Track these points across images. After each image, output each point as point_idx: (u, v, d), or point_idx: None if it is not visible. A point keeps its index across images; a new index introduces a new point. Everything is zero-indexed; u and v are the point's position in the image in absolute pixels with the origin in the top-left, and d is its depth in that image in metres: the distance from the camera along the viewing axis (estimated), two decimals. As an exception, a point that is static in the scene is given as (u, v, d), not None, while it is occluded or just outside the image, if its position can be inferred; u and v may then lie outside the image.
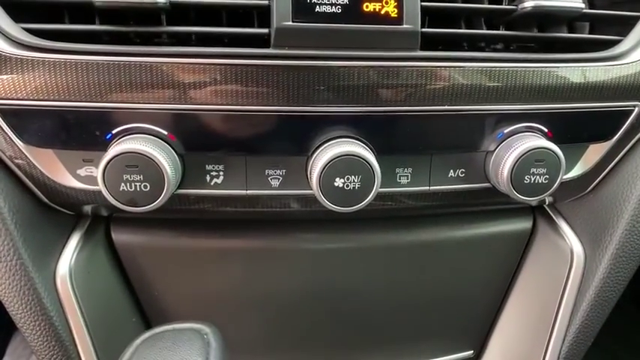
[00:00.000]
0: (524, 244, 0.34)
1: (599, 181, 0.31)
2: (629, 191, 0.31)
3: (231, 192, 0.27)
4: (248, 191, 0.27)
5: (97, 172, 0.24)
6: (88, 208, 0.29)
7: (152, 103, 0.24)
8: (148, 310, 0.33)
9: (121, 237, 0.30)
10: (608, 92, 0.27)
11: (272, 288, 0.30)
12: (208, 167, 0.26)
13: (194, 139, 0.25)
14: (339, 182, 0.24)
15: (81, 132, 0.25)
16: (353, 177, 0.24)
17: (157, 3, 0.22)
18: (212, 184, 0.27)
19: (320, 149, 0.25)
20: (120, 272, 0.31)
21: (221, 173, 0.27)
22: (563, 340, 0.32)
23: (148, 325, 0.33)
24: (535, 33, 0.27)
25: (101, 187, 0.24)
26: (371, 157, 0.24)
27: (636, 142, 0.30)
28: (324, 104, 0.25)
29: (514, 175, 0.26)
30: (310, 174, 0.25)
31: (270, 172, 0.27)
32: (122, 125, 0.24)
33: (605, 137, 0.29)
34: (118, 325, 0.32)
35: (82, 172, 0.26)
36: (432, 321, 0.35)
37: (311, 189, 0.26)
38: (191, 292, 0.32)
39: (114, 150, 0.23)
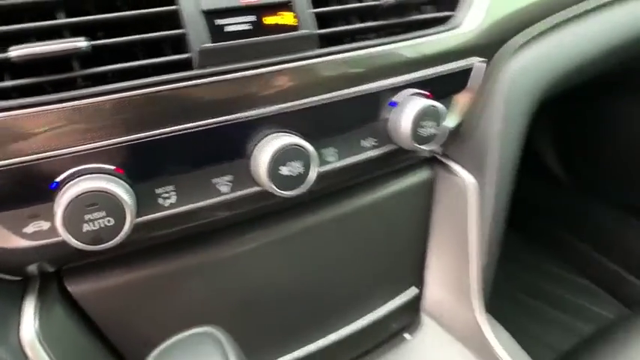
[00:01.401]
0: (430, 190, 0.42)
1: (473, 125, 0.40)
2: (492, 129, 0.40)
3: (186, 207, 0.29)
4: (200, 203, 0.29)
5: (56, 221, 0.24)
6: (34, 268, 0.28)
7: (91, 143, 0.25)
8: (123, 346, 0.32)
9: (77, 288, 0.30)
10: (452, 56, 0.36)
11: (237, 288, 0.32)
12: (158, 191, 0.28)
13: (140, 168, 0.27)
14: (284, 170, 0.29)
15: (22, 189, 0.24)
16: (295, 163, 0.29)
17: (79, 48, 0.24)
18: (167, 205, 0.28)
19: (258, 147, 0.29)
20: (87, 321, 0.31)
21: (172, 193, 0.29)
22: (478, 259, 0.40)
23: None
24: (396, 20, 0.34)
25: (63, 234, 0.24)
26: (305, 144, 0.29)
27: (488, 90, 0.39)
28: (252, 108, 0.28)
29: (412, 131, 0.33)
30: (256, 171, 0.29)
31: (218, 180, 0.30)
32: (66, 171, 0.25)
33: (461, 89, 0.38)
34: None
35: (29, 229, 0.26)
36: (376, 275, 0.41)
37: (259, 186, 0.30)
38: (162, 316, 0.33)
39: (68, 194, 0.24)
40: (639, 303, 0.89)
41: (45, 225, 0.26)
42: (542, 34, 0.41)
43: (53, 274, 0.30)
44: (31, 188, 0.25)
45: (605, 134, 1.05)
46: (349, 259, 0.39)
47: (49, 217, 0.25)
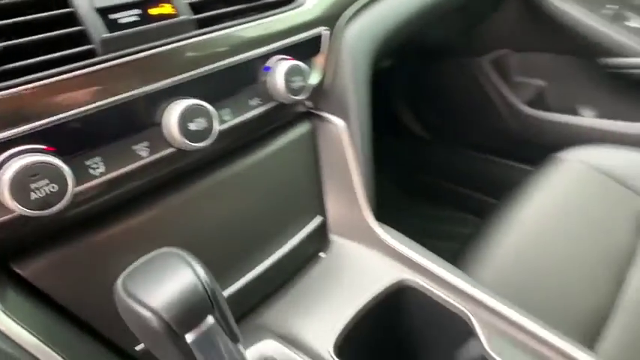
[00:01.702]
0: (313, 137, 0.52)
1: (333, 80, 0.51)
2: (346, 80, 0.52)
3: (115, 173, 0.34)
4: (125, 168, 0.35)
5: (4, 196, 0.28)
6: None
7: (19, 127, 0.29)
8: (83, 314, 0.36)
9: (26, 268, 0.33)
10: (302, 28, 0.46)
11: (169, 240, 0.35)
12: (88, 162, 0.33)
13: (67, 144, 0.32)
14: (192, 126, 0.36)
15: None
16: (199, 119, 0.36)
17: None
18: (98, 174, 0.34)
19: (165, 112, 0.36)
20: (44, 299, 0.34)
21: (101, 163, 0.34)
22: (359, 179, 0.52)
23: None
24: (253, 4, 0.43)
25: (13, 206, 0.28)
26: (204, 103, 0.36)
27: (336, 51, 0.51)
28: (153, 82, 0.35)
29: (285, 86, 0.42)
30: (169, 133, 0.35)
31: (137, 146, 0.36)
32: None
33: (317, 52, 0.48)
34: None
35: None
36: (285, 213, 0.50)
37: (173, 146, 0.37)
38: (111, 278, 0.37)
39: (10, 170, 0.28)
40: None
41: (-9, 206, 0.29)
42: (367, 4, 0.54)
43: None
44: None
45: (447, 90, 1.29)
46: (259, 205, 0.47)
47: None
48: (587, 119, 1.09)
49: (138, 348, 0.38)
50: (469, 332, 0.43)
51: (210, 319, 0.28)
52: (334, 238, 0.53)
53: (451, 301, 0.44)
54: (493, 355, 0.40)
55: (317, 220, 0.52)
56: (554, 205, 0.75)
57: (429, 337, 0.47)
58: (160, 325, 0.26)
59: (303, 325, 0.44)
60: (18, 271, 0.33)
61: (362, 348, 0.42)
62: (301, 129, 0.51)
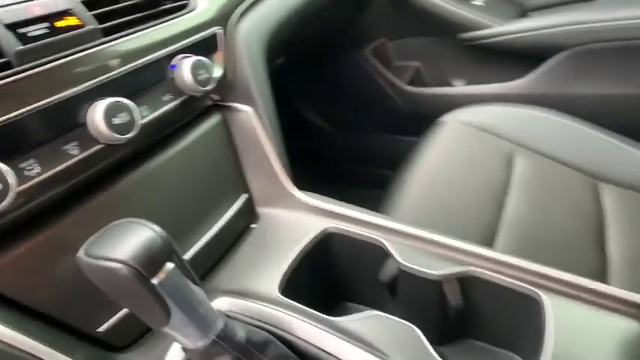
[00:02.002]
0: (226, 126, 0.59)
1: (235, 73, 0.58)
2: (246, 72, 0.59)
3: (50, 172, 0.38)
4: (59, 167, 0.38)
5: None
6: None
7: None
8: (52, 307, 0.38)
9: None
10: (198, 29, 0.53)
11: None
12: (22, 165, 0.36)
13: (3, 149, 0.35)
14: (116, 120, 0.40)
15: None
16: (122, 114, 0.41)
17: None
18: (34, 174, 0.37)
19: (89, 112, 0.40)
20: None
21: (35, 165, 0.37)
22: (273, 152, 0.59)
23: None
24: (150, 12, 0.48)
25: None
26: (123, 99, 0.41)
27: (232, 46, 0.58)
28: (71, 87, 0.39)
29: (193, 79, 0.48)
30: (96, 129, 0.40)
31: (68, 146, 0.39)
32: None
33: (216, 49, 0.55)
34: None
35: None
36: (213, 195, 0.55)
37: (100, 143, 0.41)
38: (61, 271, 0.40)
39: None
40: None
41: None
42: (252, 4, 0.62)
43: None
44: None
45: (339, 82, 1.42)
46: (188, 191, 0.52)
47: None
48: (459, 88, 1.29)
49: (101, 329, 0.41)
50: (386, 254, 0.52)
51: (170, 265, 0.33)
52: (262, 210, 0.60)
53: (368, 234, 0.53)
54: (405, 263, 0.50)
55: (243, 197, 0.58)
56: (442, 156, 0.89)
57: (355, 269, 0.56)
58: (130, 272, 0.30)
59: (249, 280, 0.50)
60: None
61: (303, 289, 0.49)
62: (213, 120, 0.57)
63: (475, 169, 0.88)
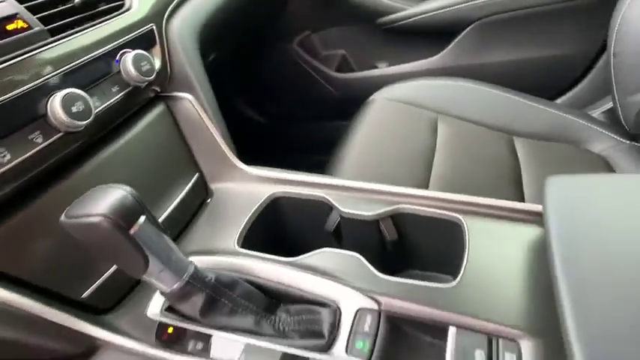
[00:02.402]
0: (171, 113, 0.66)
1: (175, 64, 0.65)
2: (183, 63, 0.67)
3: (19, 159, 0.43)
4: (27, 154, 0.44)
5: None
6: None
7: None
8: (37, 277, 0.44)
9: None
10: (135, 27, 0.60)
11: None
12: (-5, 153, 0.42)
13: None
14: (74, 109, 0.47)
15: None
16: (78, 103, 0.47)
17: None
18: (5, 161, 0.42)
19: (48, 104, 0.46)
20: None
21: (6, 152, 0.43)
22: (218, 132, 0.67)
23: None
24: (88, 13, 0.55)
25: None
26: (77, 90, 0.47)
27: (169, 39, 0.65)
28: (31, 81, 0.45)
29: (136, 71, 0.55)
30: (57, 118, 0.46)
31: (33, 135, 0.45)
32: None
33: (155, 43, 0.62)
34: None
35: None
36: (169, 176, 0.62)
37: (61, 130, 0.47)
38: (46, 245, 0.46)
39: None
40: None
41: None
42: (181, 2, 0.70)
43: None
44: None
45: (271, 75, 1.52)
46: (143, 174, 0.58)
47: None
48: (383, 69, 1.43)
49: (85, 295, 0.47)
50: (329, 207, 0.62)
51: (142, 218, 0.40)
52: (214, 185, 0.68)
53: (312, 193, 0.63)
54: (346, 210, 0.60)
55: (195, 176, 0.66)
56: (373, 128, 1.01)
57: (303, 225, 0.65)
58: (110, 224, 0.37)
59: (209, 242, 0.57)
60: None
61: (258, 246, 0.57)
62: (157, 110, 0.64)
63: (403, 137, 1.00)
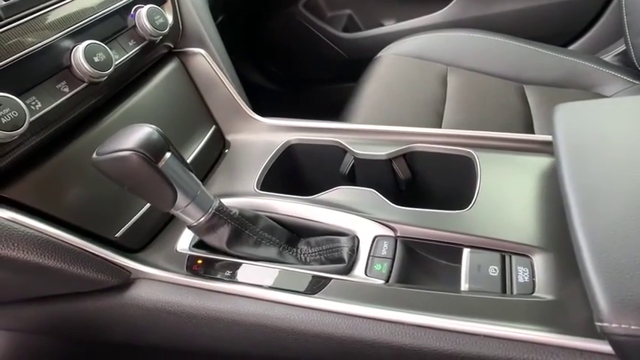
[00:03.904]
0: (185, 68, 0.68)
1: (186, 20, 0.67)
2: (195, 19, 0.68)
3: (50, 106, 0.46)
4: (56, 102, 0.47)
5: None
6: None
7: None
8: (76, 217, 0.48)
9: (12, 192, 0.44)
10: None
11: None
12: (28, 101, 0.45)
13: (9, 89, 0.43)
14: (96, 59, 0.49)
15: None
16: (100, 54, 0.50)
17: None
18: (37, 109, 0.45)
19: (72, 56, 0.48)
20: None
21: (37, 101, 0.46)
22: (230, 84, 0.69)
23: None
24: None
25: None
26: (98, 42, 0.50)
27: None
28: (55, 32, 0.47)
29: (150, 24, 0.57)
30: (81, 69, 0.48)
31: (60, 84, 0.48)
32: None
33: (164, 1, 0.64)
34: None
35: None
36: (189, 127, 0.65)
37: (85, 81, 0.49)
38: (78, 187, 0.49)
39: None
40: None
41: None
42: None
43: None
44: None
45: (278, 39, 1.52)
46: (164, 125, 0.61)
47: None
48: (390, 26, 1.42)
49: (118, 234, 0.51)
50: (343, 151, 0.65)
51: (168, 153, 0.43)
52: (231, 137, 0.70)
53: (326, 138, 0.65)
54: (359, 152, 0.62)
55: (212, 129, 0.68)
56: (383, 81, 1.02)
57: (319, 168, 0.68)
58: (139, 157, 0.40)
59: (230, 186, 0.61)
60: (2, 195, 0.43)
61: (276, 188, 0.60)
62: (172, 65, 0.66)
63: (414, 88, 1.01)
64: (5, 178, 0.44)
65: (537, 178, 0.55)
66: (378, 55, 1.16)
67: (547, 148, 0.58)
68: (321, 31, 1.46)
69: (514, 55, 1.11)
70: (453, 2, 1.31)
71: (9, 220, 0.42)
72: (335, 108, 1.23)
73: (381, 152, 0.62)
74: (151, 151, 0.41)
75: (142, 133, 0.42)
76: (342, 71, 1.48)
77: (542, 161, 0.57)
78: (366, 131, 0.65)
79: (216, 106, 0.70)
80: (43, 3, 0.48)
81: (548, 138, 0.58)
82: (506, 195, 0.53)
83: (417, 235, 0.50)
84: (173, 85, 0.65)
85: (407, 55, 1.13)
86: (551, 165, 0.55)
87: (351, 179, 0.66)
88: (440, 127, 0.88)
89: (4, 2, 0.45)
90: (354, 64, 1.30)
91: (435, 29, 1.28)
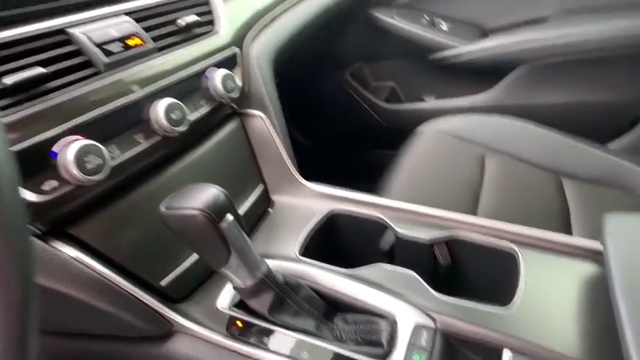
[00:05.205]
0: (244, 129, 0.72)
1: (252, 84, 0.72)
2: (259, 83, 0.73)
3: (127, 155, 0.50)
4: (132, 151, 0.51)
5: (70, 168, 0.42)
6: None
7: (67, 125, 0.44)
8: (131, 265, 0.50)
9: (77, 230, 0.46)
10: (222, 48, 0.67)
11: None
12: (109, 149, 0.49)
13: (95, 137, 0.47)
14: (173, 116, 0.53)
15: (30, 165, 0.42)
16: (177, 111, 0.54)
17: (43, 73, 0.43)
18: (115, 156, 0.49)
19: (151, 110, 0.53)
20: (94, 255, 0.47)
21: (116, 149, 0.49)
22: (283, 148, 0.73)
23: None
24: (190, 33, 0.63)
25: (76, 173, 0.42)
26: (177, 101, 0.54)
27: (247, 63, 0.72)
28: (141, 89, 0.52)
29: (222, 86, 0.62)
30: (157, 122, 0.52)
31: (136, 136, 0.52)
32: (57, 143, 0.43)
33: (236, 64, 0.69)
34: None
35: (45, 187, 0.42)
36: (239, 184, 0.68)
37: (160, 135, 0.53)
38: (138, 231, 0.51)
39: (71, 151, 0.43)
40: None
41: (54, 182, 0.43)
42: (266, 25, 0.78)
43: (56, 226, 0.45)
44: (40, 160, 0.42)
45: (321, 100, 1.59)
46: (218, 180, 0.64)
47: (54, 176, 0.43)
48: (431, 102, 1.48)
49: (163, 282, 0.53)
50: (384, 227, 0.66)
51: (230, 216, 0.46)
52: (276, 197, 0.73)
53: (368, 212, 0.67)
54: (402, 232, 0.63)
55: (260, 187, 0.71)
56: (422, 158, 1.05)
57: (359, 240, 0.69)
58: (204, 217, 0.42)
59: (273, 247, 0.62)
60: (72, 233, 0.46)
61: (316, 256, 0.61)
62: (233, 124, 0.71)
63: (452, 167, 1.04)
64: (76, 218, 0.47)
65: (583, 285, 0.55)
66: (419, 129, 1.20)
67: (593, 255, 0.58)
68: (363, 99, 1.53)
69: (553, 147, 1.13)
70: (494, 88, 1.37)
71: (73, 259, 0.44)
72: (369, 172, 1.27)
73: (423, 235, 0.63)
74: (216, 212, 0.44)
75: (210, 194, 0.45)
76: (380, 138, 1.53)
77: (587, 268, 0.57)
78: (408, 211, 0.67)
79: (266, 166, 0.73)
80: (138, 60, 0.53)
81: (596, 245, 0.58)
82: (549, 298, 0.53)
83: (457, 330, 0.50)
84: (232, 143, 0.69)
85: (447, 133, 1.17)
86: (599, 274, 0.55)
87: (390, 256, 0.67)
88: (476, 211, 0.90)
89: (107, 59, 0.50)
90: (393, 134, 1.34)
91: (474, 111, 1.33)
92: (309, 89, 1.58)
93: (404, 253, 0.66)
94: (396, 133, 1.26)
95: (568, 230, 0.90)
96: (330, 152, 1.63)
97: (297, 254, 0.60)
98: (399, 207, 0.68)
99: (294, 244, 0.62)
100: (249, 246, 0.48)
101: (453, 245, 0.64)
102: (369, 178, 1.23)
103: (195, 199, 0.44)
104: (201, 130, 0.63)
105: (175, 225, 0.44)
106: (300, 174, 0.73)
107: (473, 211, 0.89)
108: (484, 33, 1.43)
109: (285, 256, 0.60)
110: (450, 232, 0.63)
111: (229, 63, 0.68)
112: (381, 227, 0.67)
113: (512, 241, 0.61)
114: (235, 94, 0.65)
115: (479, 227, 0.63)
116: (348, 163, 1.62)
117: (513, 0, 1.40)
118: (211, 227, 0.43)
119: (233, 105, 0.70)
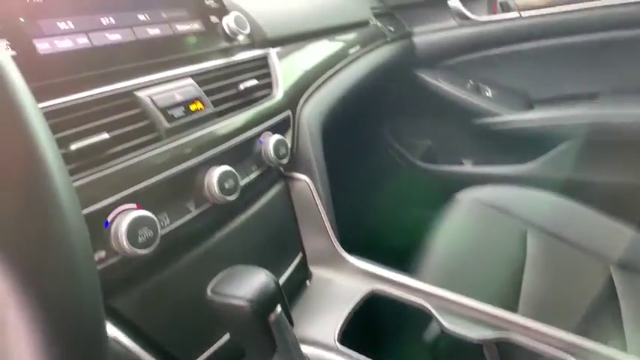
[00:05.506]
0: (288, 192, 0.70)
1: (300, 147, 0.71)
2: (307, 146, 0.72)
3: (177, 223, 0.48)
4: (182, 220, 0.49)
5: (122, 240, 0.40)
6: None
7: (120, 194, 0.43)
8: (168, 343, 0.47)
9: (120, 303, 0.44)
10: (278, 111, 0.66)
11: (217, 265, 0.48)
12: (159, 217, 0.47)
13: (147, 205, 0.45)
14: (226, 185, 0.52)
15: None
16: (230, 180, 0.52)
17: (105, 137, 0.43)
18: (166, 225, 0.47)
19: (206, 177, 0.51)
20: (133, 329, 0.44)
21: (167, 217, 0.48)
22: (328, 220, 0.70)
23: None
24: (251, 97, 0.62)
25: (126, 247, 0.41)
26: (231, 168, 0.53)
27: (298, 125, 0.71)
28: (198, 155, 0.51)
29: (274, 152, 0.61)
30: (210, 190, 0.51)
31: (188, 204, 0.50)
32: (110, 214, 0.42)
33: (289, 127, 0.68)
34: None
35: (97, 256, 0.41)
36: (277, 252, 0.66)
37: (210, 202, 0.52)
38: (183, 306, 0.49)
39: (125, 223, 0.41)
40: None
41: (102, 253, 0.41)
42: (318, 87, 0.77)
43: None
44: (93, 229, 0.40)
45: (358, 154, 1.58)
46: (260, 244, 0.62)
47: (103, 246, 0.41)
48: (468, 167, 1.45)
49: (196, 364, 0.50)
50: (429, 317, 0.62)
51: (279, 307, 0.43)
52: (314, 269, 0.70)
53: (411, 298, 0.63)
54: (449, 326, 0.59)
55: (299, 257, 0.69)
56: (461, 231, 1.01)
57: (401, 327, 0.65)
58: (252, 309, 0.40)
59: (310, 330, 0.59)
60: (113, 306, 0.44)
61: (354, 343, 0.58)
62: (278, 187, 0.69)
63: (492, 245, 0.99)
64: (116, 289, 0.45)
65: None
66: (458, 196, 1.17)
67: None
68: (398, 155, 1.51)
69: (601, 230, 1.08)
70: (538, 160, 1.33)
71: (112, 339, 0.41)
72: (402, 231, 1.22)
73: (471, 333, 0.59)
74: (264, 304, 0.41)
75: (259, 281, 0.42)
76: (410, 196, 1.49)
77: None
78: (454, 302, 0.63)
79: (307, 235, 0.71)
80: (200, 128, 0.52)
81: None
82: None
83: None
84: (275, 206, 0.67)
85: (486, 204, 1.13)
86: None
87: (433, 348, 0.62)
88: (519, 297, 0.85)
89: (169, 125, 0.49)
90: (427, 193, 1.31)
91: (514, 182, 1.29)
92: (347, 142, 1.57)
93: (449, 350, 0.61)
94: (431, 193, 1.23)
95: (620, 326, 0.84)
96: (359, 206, 1.60)
97: (336, 342, 0.56)
98: (444, 296, 0.64)
99: (332, 328, 0.58)
100: (296, 341, 0.45)
101: (503, 347, 0.59)
102: (401, 238, 1.18)
103: (244, 287, 0.41)
104: (248, 195, 0.62)
105: (221, 311, 0.41)
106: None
107: (515, 298, 0.84)
108: (530, 104, 1.41)
109: (323, 343, 0.56)
110: (501, 334, 0.58)
111: (283, 127, 0.67)
112: (424, 315, 0.63)
113: (566, 351, 0.57)
114: (286, 161, 0.63)
115: (534, 332, 0.59)
116: (380, 221, 1.58)
117: (563, 72, 1.39)
118: (258, 321, 0.41)
119: (281, 169, 0.69)
